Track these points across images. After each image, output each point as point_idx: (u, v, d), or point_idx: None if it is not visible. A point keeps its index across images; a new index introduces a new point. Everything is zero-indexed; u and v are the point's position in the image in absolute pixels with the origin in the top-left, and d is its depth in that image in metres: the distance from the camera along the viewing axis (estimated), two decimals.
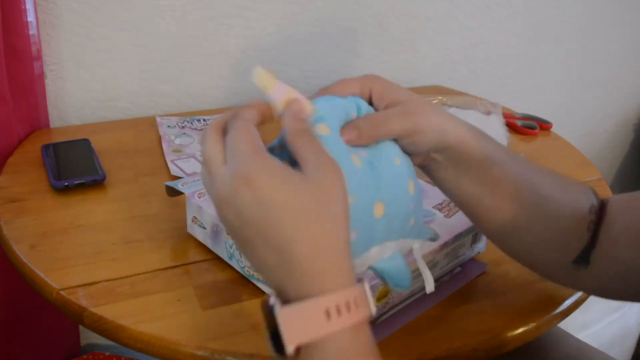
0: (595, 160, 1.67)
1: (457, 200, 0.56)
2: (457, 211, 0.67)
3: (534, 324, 0.61)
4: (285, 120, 0.42)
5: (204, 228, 0.65)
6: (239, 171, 0.38)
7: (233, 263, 0.64)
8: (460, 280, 0.66)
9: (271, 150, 0.44)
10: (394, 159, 0.48)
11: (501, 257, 0.71)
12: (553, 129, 1.09)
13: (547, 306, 0.63)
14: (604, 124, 1.70)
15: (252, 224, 0.37)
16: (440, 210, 0.67)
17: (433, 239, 0.56)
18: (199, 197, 0.65)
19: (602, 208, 0.55)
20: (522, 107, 1.22)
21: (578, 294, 0.65)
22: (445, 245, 0.62)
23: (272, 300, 0.37)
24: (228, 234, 0.44)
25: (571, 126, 1.61)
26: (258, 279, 0.61)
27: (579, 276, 0.55)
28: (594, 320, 1.28)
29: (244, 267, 0.62)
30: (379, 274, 0.49)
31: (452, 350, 0.57)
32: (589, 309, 0.79)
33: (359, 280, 0.39)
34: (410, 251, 0.51)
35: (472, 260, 0.69)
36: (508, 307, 0.63)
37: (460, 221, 0.65)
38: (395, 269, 0.48)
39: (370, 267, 0.48)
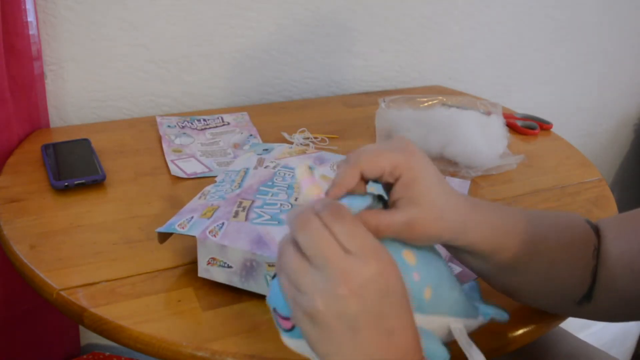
0: (595, 160, 1.67)
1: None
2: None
3: (535, 325, 0.61)
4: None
5: (229, 267, 0.60)
6: (376, 259, 0.39)
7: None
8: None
9: None
10: None
11: None
12: (553, 129, 1.09)
13: None
14: (604, 124, 1.70)
15: (373, 310, 0.39)
16: None
17: (498, 319, 0.53)
18: (214, 236, 0.59)
19: (597, 239, 0.55)
20: (522, 107, 1.22)
21: None
22: None
23: None
24: (319, 321, 0.39)
25: (571, 126, 1.61)
26: None
27: (583, 310, 0.56)
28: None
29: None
30: None
31: (451, 351, 0.57)
32: None
33: None
34: (450, 332, 0.49)
35: None
36: (508, 308, 0.63)
37: None
38: None
39: None
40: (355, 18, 1.17)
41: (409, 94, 1.02)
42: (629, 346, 1.43)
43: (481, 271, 0.55)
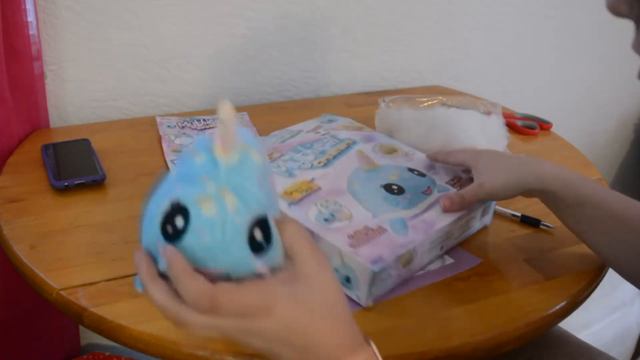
0: (595, 160, 1.66)
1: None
2: (468, 185, 0.72)
3: (534, 324, 0.61)
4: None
5: None
6: (255, 310, 0.41)
7: None
8: (450, 270, 0.68)
9: None
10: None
11: (500, 257, 0.71)
12: (553, 129, 1.09)
13: (547, 306, 0.63)
14: (604, 124, 1.70)
15: (278, 340, 0.42)
16: (452, 185, 0.73)
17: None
18: None
19: None
20: (522, 107, 1.22)
21: (577, 295, 0.65)
22: (459, 218, 0.68)
23: None
24: (248, 348, 0.44)
25: (571, 126, 1.61)
26: None
27: None
28: (594, 320, 1.28)
29: None
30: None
31: (452, 350, 0.57)
32: (589, 308, 0.79)
33: (366, 339, 0.45)
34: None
35: (466, 253, 0.70)
36: (508, 307, 0.63)
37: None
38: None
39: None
40: (355, 18, 1.17)
41: (409, 94, 1.02)
42: (629, 346, 1.43)
43: (580, 235, 0.67)
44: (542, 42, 1.44)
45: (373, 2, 1.17)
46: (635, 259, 0.61)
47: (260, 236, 0.42)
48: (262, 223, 0.42)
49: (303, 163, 0.71)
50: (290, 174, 0.69)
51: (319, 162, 0.72)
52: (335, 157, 0.74)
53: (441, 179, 0.74)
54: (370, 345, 0.45)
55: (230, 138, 0.41)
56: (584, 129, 1.66)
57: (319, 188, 0.68)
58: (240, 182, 0.41)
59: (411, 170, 0.75)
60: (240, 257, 0.41)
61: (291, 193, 0.67)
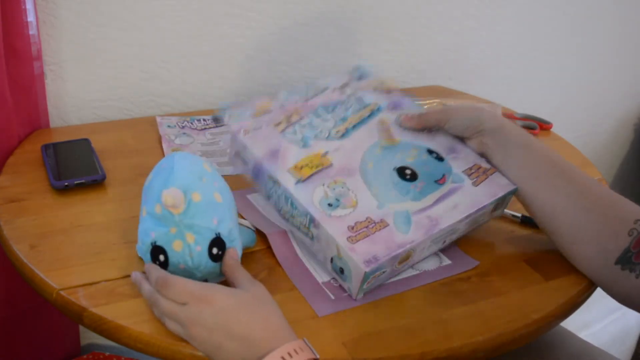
0: (595, 160, 1.67)
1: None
2: (485, 178, 0.70)
3: (534, 325, 0.61)
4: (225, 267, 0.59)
5: (246, 163, 0.71)
6: (198, 297, 0.53)
7: (271, 202, 0.70)
8: (448, 271, 0.68)
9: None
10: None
11: (500, 258, 0.71)
12: (553, 129, 1.09)
13: (547, 306, 0.63)
14: (604, 124, 1.70)
15: (218, 328, 0.51)
16: (469, 175, 0.70)
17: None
18: (245, 134, 0.70)
19: None
20: (522, 107, 1.22)
21: (577, 295, 0.65)
22: (467, 216, 0.66)
23: None
24: (199, 348, 0.53)
25: (571, 126, 1.61)
26: None
27: (625, 280, 0.58)
28: (595, 320, 1.28)
29: (280, 210, 0.69)
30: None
31: (452, 351, 0.57)
32: (589, 308, 0.79)
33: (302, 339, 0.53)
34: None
35: (464, 255, 0.70)
36: (508, 308, 0.63)
37: (486, 191, 0.68)
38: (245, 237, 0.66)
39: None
40: (356, 18, 1.17)
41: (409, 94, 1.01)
42: (629, 346, 1.43)
43: (521, 184, 0.69)
44: (542, 42, 1.44)
45: (373, 2, 1.17)
46: (571, 210, 0.64)
47: (216, 251, 0.58)
48: (216, 242, 0.58)
49: (320, 131, 0.71)
50: (305, 143, 0.69)
51: (337, 132, 0.72)
52: (355, 126, 0.73)
53: (459, 167, 0.71)
54: (302, 339, 0.51)
55: (175, 200, 0.56)
56: (584, 129, 1.66)
57: (331, 164, 0.68)
58: (191, 222, 0.57)
59: (430, 151, 0.72)
60: (208, 269, 0.58)
61: (301, 168, 0.67)
